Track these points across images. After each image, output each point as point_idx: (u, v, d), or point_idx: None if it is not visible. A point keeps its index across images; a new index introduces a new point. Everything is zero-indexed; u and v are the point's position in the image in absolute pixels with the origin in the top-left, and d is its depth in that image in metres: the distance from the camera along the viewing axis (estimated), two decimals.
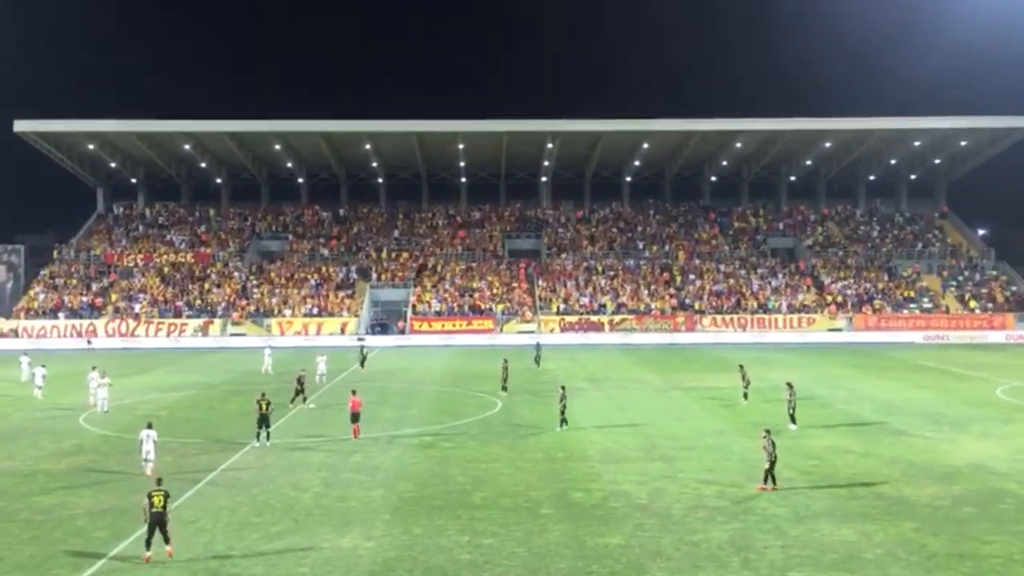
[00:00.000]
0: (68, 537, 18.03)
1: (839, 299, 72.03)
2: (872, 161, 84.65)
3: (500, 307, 70.22)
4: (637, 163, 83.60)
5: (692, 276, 75.78)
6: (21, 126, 72.40)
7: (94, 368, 36.66)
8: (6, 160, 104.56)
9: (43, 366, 39.60)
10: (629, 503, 20.37)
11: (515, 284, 74.10)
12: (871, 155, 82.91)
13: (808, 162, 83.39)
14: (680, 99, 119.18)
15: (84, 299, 70.36)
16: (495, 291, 72.73)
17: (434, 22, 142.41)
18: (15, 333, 66.03)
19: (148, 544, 16.62)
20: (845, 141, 78.27)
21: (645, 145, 77.94)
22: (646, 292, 72.82)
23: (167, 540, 16.72)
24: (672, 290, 73.48)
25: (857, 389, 40.26)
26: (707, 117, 75.37)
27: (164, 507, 16.71)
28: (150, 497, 16.76)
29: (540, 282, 74.19)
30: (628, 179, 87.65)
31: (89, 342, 62.51)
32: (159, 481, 17.84)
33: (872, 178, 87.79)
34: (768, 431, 22.18)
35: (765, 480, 21.37)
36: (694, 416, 32.97)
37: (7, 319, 68.22)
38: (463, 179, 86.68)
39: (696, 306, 71.22)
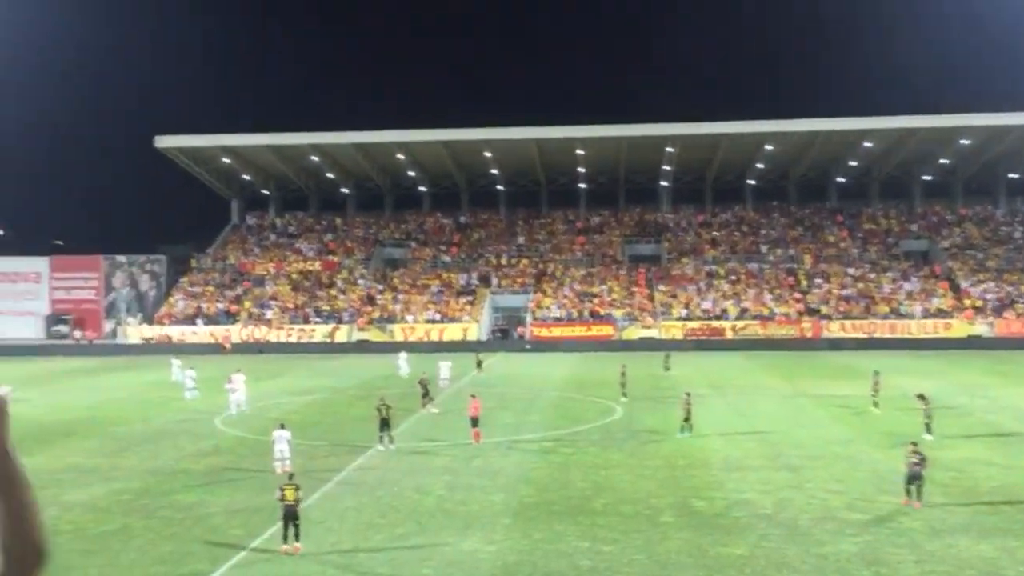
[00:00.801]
0: (205, 533, 18.89)
1: (978, 303, 68.57)
2: (1014, 158, 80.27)
3: (620, 313, 69.82)
4: (760, 165, 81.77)
5: (819, 280, 73.54)
6: (162, 142, 76.49)
7: (239, 371, 38.39)
8: (149, 175, 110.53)
9: (192, 368, 41.58)
10: (753, 513, 19.92)
11: (635, 289, 73.57)
12: (1013, 152, 78.64)
13: (944, 160, 79.72)
14: (804, 98, 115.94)
15: (220, 306, 73.58)
16: (615, 297, 72.39)
17: (551, 29, 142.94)
18: (168, 338, 69.49)
19: (285, 538, 17.35)
20: (984, 138, 74.47)
21: (768, 147, 76.16)
22: (770, 297, 71.09)
23: (297, 536, 17.38)
24: (798, 294, 71.50)
25: (999, 397, 38.23)
26: (833, 116, 73.08)
27: (296, 501, 17.46)
28: (282, 490, 17.58)
29: (660, 287, 73.43)
30: (751, 181, 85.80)
31: (226, 347, 65.22)
32: (291, 476, 18.59)
33: (1014, 176, 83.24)
34: (915, 443, 21.39)
35: (909, 494, 20.36)
36: (821, 424, 31.97)
37: (151, 325, 71.98)
38: (582, 185, 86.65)
39: (823, 311, 69.09)
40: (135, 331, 71.08)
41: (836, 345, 64.14)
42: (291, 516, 17.40)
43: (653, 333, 67.08)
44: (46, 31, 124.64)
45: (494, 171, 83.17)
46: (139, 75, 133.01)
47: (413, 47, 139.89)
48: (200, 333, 69.44)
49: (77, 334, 73.67)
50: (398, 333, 68.74)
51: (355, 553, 17.40)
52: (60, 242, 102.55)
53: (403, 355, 50.15)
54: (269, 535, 18.42)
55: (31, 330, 74.78)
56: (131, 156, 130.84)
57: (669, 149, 76.01)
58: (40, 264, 78.65)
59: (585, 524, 19.13)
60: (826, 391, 40.94)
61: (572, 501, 21.18)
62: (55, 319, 75.53)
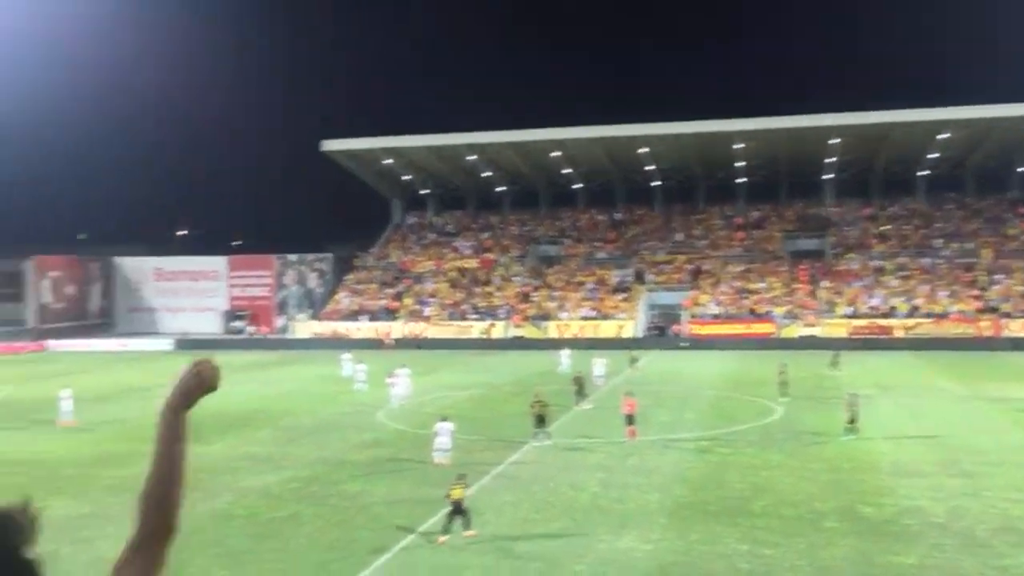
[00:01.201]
0: (369, 523, 19.60)
1: None
2: None
3: (780, 310, 67.73)
4: (933, 155, 77.41)
5: (999, 276, 68.97)
6: (328, 146, 79.82)
7: (403, 365, 39.67)
8: (316, 178, 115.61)
9: (363, 363, 43.23)
10: (924, 520, 18.94)
11: (796, 286, 71.19)
12: None
13: None
14: (982, 83, 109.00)
15: (382, 302, 76.11)
16: (775, 293, 70.28)
17: (704, 22, 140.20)
18: (336, 334, 72.47)
19: (446, 529, 18.00)
20: None
21: (942, 135, 72.00)
22: (945, 294, 67.24)
23: (467, 525, 18.04)
24: (975, 291, 67.30)
25: None
26: (1015, 102, 68.28)
27: (461, 499, 18.15)
28: (452, 490, 18.35)
29: (824, 284, 70.75)
30: (922, 172, 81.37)
31: (385, 342, 67.35)
32: (461, 476, 19.18)
33: None
34: None
35: None
36: (1001, 429, 30.02)
37: (318, 321, 75.26)
38: (741, 179, 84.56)
39: (1003, 309, 64.75)
40: (304, 327, 74.47)
41: (1019, 345, 59.97)
42: (458, 511, 18.08)
43: (815, 331, 64.70)
44: (225, 43, 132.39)
45: (650, 166, 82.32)
46: (306, 82, 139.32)
47: (568, 45, 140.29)
48: (363, 329, 72.03)
49: (251, 329, 77.86)
50: (553, 330, 69.13)
51: (511, 547, 17.65)
52: (238, 242, 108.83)
53: (566, 351, 50.36)
54: (429, 525, 18.94)
55: (211, 325, 79.57)
56: (301, 160, 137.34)
57: (833, 140, 73.08)
58: (219, 263, 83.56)
59: (744, 526, 18.70)
60: (1007, 394, 38.38)
61: (730, 502, 20.74)
62: (232, 315, 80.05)
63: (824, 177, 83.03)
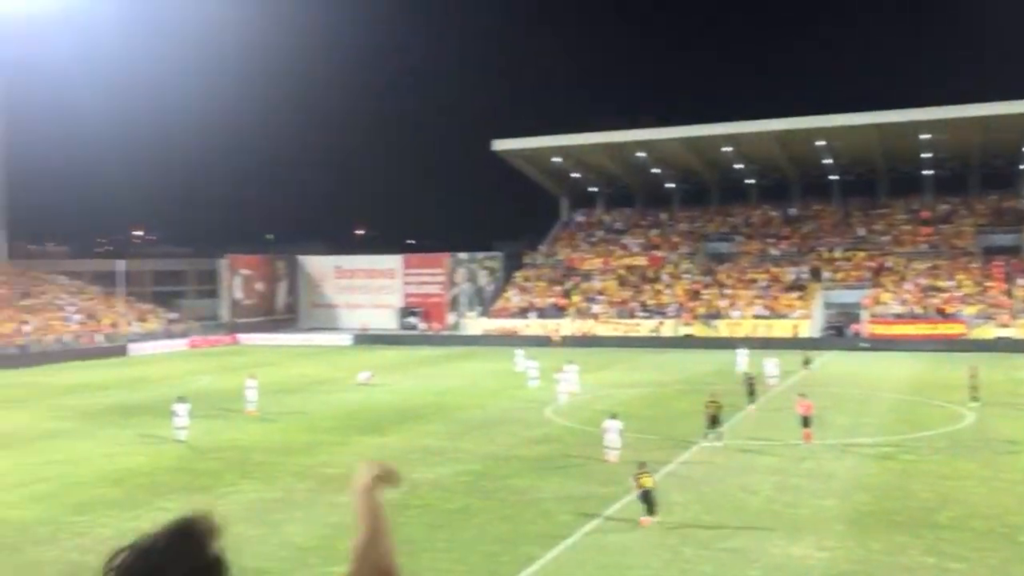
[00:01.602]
0: (537, 518, 19.84)
1: None
2: None
3: (971, 310, 63.59)
4: None
5: None
6: (499, 145, 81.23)
7: (571, 362, 39.92)
8: (487, 177, 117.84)
9: (535, 360, 43.70)
10: None
11: (990, 284, 66.61)
12: None
13: None
14: None
15: (550, 300, 76.72)
16: (965, 292, 66.03)
17: (883, 11, 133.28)
18: (506, 330, 73.83)
19: (650, 511, 18.87)
20: None
21: None
22: None
23: (651, 512, 18.26)
24: None
25: None
26: None
27: (653, 486, 19.00)
28: (637, 478, 18.83)
29: (1021, 282, 65.86)
30: None
31: (553, 339, 67.81)
32: (643, 464, 19.63)
33: None
34: None
35: None
36: None
37: (488, 318, 76.71)
38: (927, 171, 79.92)
39: None
40: (474, 323, 76.08)
41: None
42: (647, 499, 18.62)
43: (1010, 333, 60.35)
44: (401, 47, 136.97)
45: (827, 160, 79.13)
46: (476, 84, 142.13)
47: (739, 38, 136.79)
48: (532, 326, 72.85)
49: (423, 325, 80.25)
50: (724, 329, 67.63)
51: (680, 548, 17.44)
52: (412, 241, 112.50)
53: (743, 350, 49.14)
54: (596, 524, 18.98)
55: (387, 321, 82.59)
56: (472, 160, 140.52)
57: None
58: (395, 261, 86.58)
59: (929, 538, 17.72)
60: None
61: (914, 512, 19.70)
62: (407, 311, 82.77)
63: (1021, 167, 77.29)
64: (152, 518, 19.78)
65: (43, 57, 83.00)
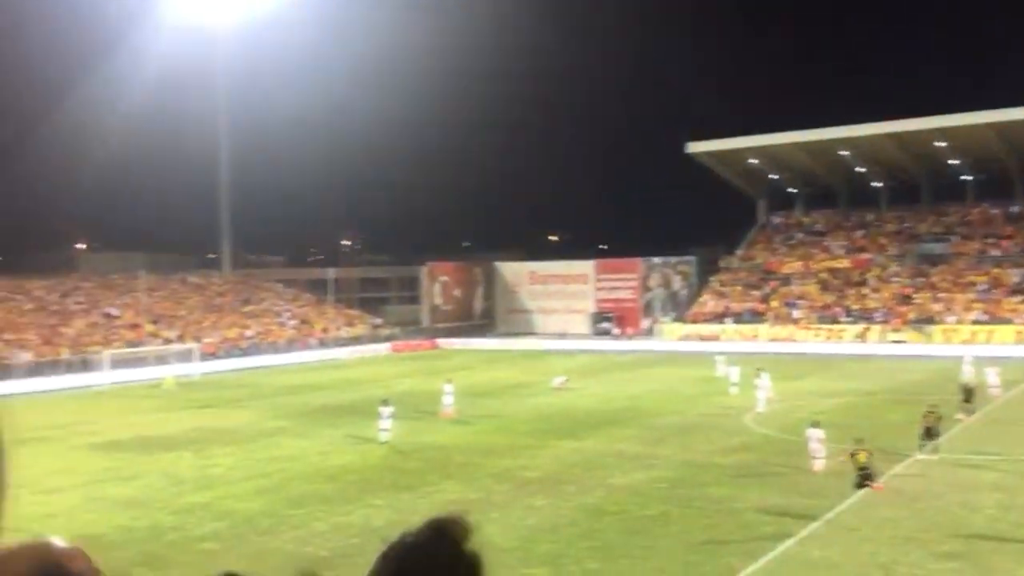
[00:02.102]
0: (737, 529, 19.34)
1: None
2: None
3: None
4: None
5: None
6: (694, 147, 79.97)
7: (759, 370, 38.77)
8: (681, 181, 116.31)
9: (736, 366, 42.57)
10: None
11: None
12: None
13: None
14: None
15: (748, 305, 74.66)
16: None
17: None
18: (703, 336, 72.64)
19: (861, 487, 19.69)
20: None
21: None
22: None
23: (872, 479, 19.72)
24: None
25: None
26: None
27: (868, 463, 18.73)
28: (853, 455, 18.72)
29: None
30: None
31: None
32: (859, 440, 19.63)
33: None
34: None
35: None
36: None
37: (682, 323, 75.60)
38: None
39: None
40: (669, 329, 75.17)
41: None
42: (865, 476, 18.66)
43: None
44: (595, 52, 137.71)
45: None
46: (669, 86, 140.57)
47: (941, 23, 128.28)
48: (728, 331, 71.15)
49: (616, 331, 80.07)
50: (938, 335, 63.46)
51: (893, 567, 16.50)
52: (604, 246, 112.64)
53: (968, 357, 45.78)
54: (800, 537, 18.28)
55: (580, 326, 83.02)
56: (665, 163, 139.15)
57: None
58: (587, 267, 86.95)
59: None
60: None
61: None
62: (599, 316, 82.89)
63: None
64: (363, 514, 20.84)
65: (257, 70, 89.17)
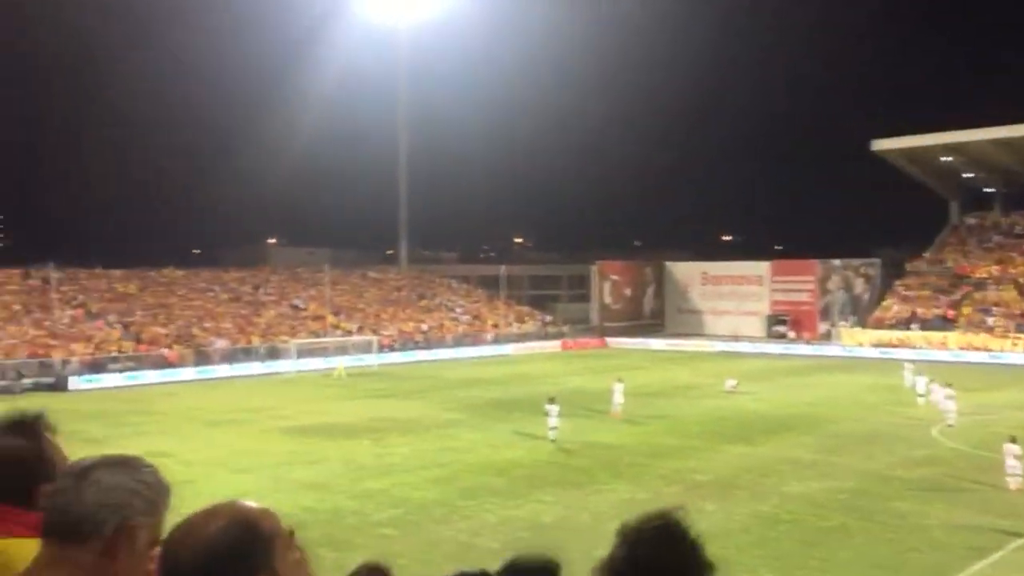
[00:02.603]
0: (922, 545, 18.36)
1: None
2: None
3: None
4: None
5: None
6: (880, 145, 76.21)
7: (932, 380, 36.63)
8: (863, 180, 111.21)
9: (925, 376, 40.10)
10: None
11: None
12: None
13: None
14: None
15: (936, 311, 70.52)
16: None
17: None
18: (885, 342, 69.41)
19: None
20: None
21: None
22: None
23: None
24: None
25: None
26: None
27: None
28: None
29: None
30: None
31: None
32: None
33: None
34: None
35: None
36: None
37: (863, 328, 72.26)
38: None
39: None
40: (848, 333, 72.03)
41: None
42: None
43: None
44: (772, 49, 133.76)
45: None
46: (852, 83, 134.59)
47: None
48: (914, 338, 67.47)
49: (792, 334, 77.44)
50: None
51: None
52: (780, 247, 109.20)
53: None
54: (995, 559, 17.15)
55: (753, 328, 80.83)
56: (846, 162, 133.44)
57: None
58: (762, 268, 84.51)
59: None
60: None
61: None
62: (774, 319, 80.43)
63: None
64: (532, 509, 21.17)
65: (435, 71, 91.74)
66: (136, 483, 1.85)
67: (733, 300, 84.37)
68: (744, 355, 65.74)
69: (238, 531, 1.59)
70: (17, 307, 55.53)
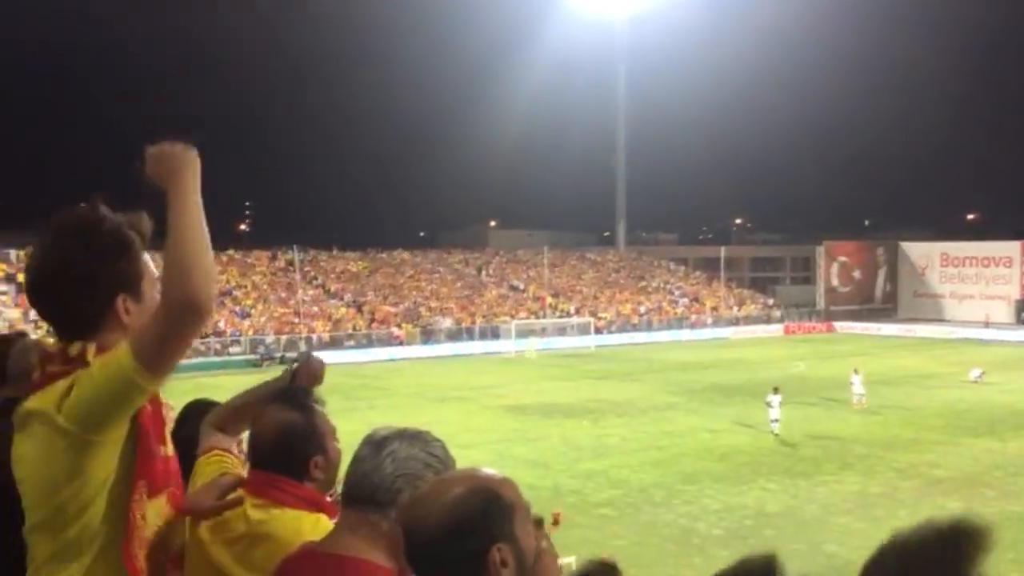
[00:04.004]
0: None
1: None
2: None
3: None
4: None
5: None
6: None
7: None
8: None
9: None
10: None
11: None
12: None
13: None
14: None
15: None
16: None
17: None
18: None
19: None
20: None
21: None
22: None
23: None
24: None
25: None
26: None
27: None
28: None
29: None
30: None
31: None
32: None
33: None
34: None
35: None
36: None
37: None
38: None
39: None
40: None
41: None
42: None
43: None
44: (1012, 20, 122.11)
45: None
46: None
47: None
48: None
49: None
50: None
51: None
52: None
53: None
54: None
55: (1000, 314, 74.51)
56: None
57: None
58: (1012, 248, 77.63)
59: None
60: None
61: None
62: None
63: None
64: (756, 496, 20.54)
65: (650, 56, 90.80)
66: (427, 455, 1.97)
67: (977, 283, 78.17)
68: (990, 342, 60.73)
69: (478, 500, 1.56)
70: (265, 287, 60.20)
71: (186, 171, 1.97)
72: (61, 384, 1.94)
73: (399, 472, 1.91)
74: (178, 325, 1.88)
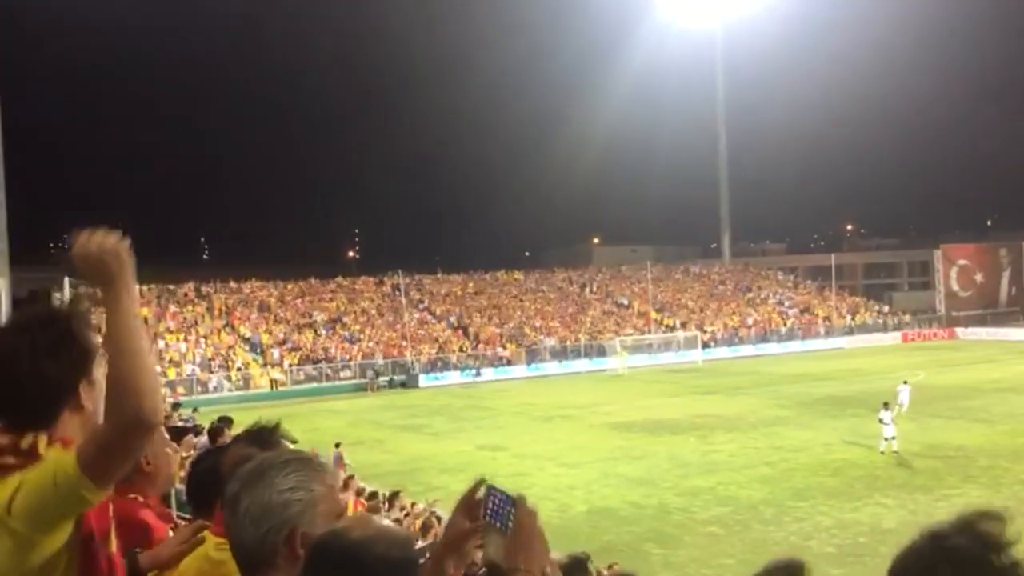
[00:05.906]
0: None
1: None
2: None
3: None
4: None
5: None
6: None
7: None
8: None
9: None
10: None
11: None
12: None
13: None
14: None
15: None
16: None
17: None
18: None
19: None
20: None
21: None
22: None
23: None
24: None
25: None
26: None
27: None
28: None
29: None
30: None
31: None
32: None
33: None
34: None
35: None
36: None
37: None
38: None
39: None
40: None
41: None
42: None
43: None
44: None
45: None
46: None
47: None
48: None
49: None
50: None
51: None
52: None
53: None
54: None
55: None
56: None
57: None
58: None
59: None
60: None
61: None
62: None
63: None
64: (871, 512, 19.80)
65: (749, 65, 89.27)
66: (281, 495, 1.92)
67: None
68: None
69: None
70: (373, 311, 61.49)
71: (118, 282, 1.94)
72: (11, 481, 1.96)
73: (263, 529, 1.84)
74: (124, 440, 1.93)
